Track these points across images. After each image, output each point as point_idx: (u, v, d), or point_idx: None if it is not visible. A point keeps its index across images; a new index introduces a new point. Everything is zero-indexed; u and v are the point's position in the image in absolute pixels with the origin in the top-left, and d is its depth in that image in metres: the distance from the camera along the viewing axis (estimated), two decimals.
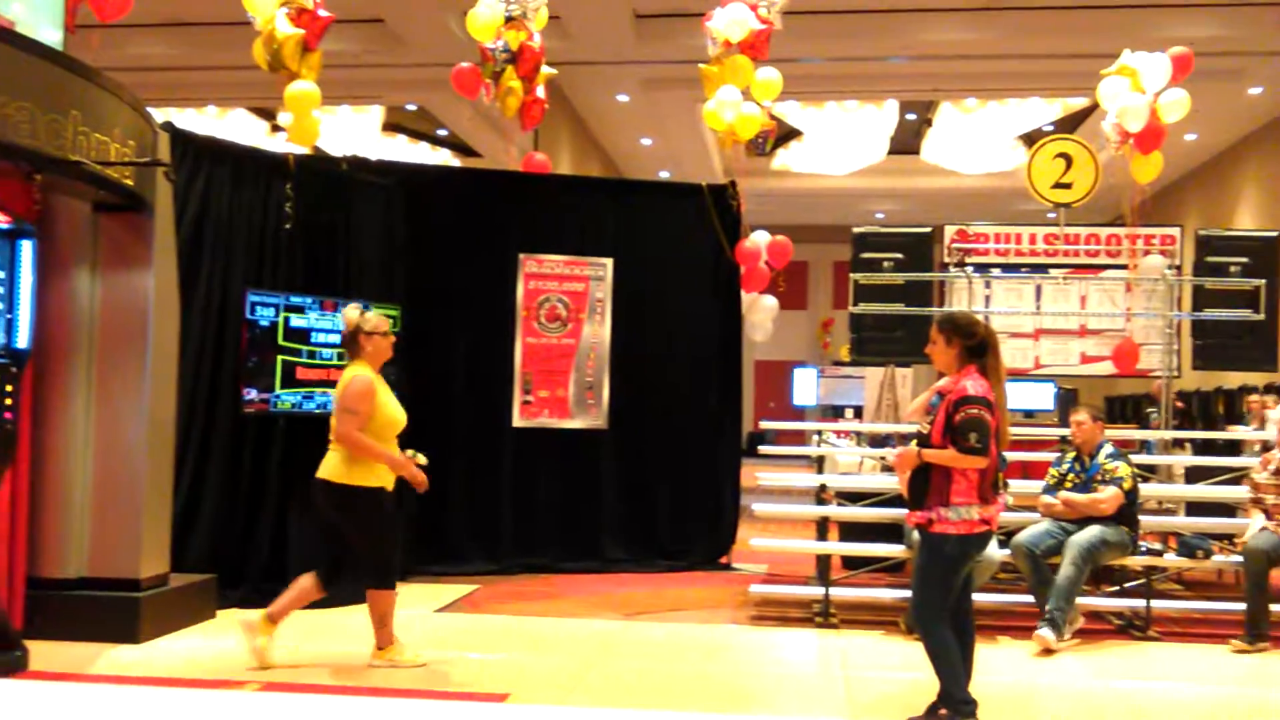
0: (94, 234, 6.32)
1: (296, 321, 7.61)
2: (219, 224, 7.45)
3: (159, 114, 7.25)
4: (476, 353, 8.88)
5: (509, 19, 9.12)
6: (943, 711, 4.79)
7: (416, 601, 7.52)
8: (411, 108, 18.57)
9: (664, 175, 21.36)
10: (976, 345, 4.79)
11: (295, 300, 7.62)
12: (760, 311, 9.52)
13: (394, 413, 5.79)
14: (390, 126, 19.74)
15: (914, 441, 4.83)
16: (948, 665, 4.76)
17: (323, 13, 7.75)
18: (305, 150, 8.19)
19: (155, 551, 6.41)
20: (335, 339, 7.79)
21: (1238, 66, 14.99)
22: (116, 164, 5.86)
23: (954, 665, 4.77)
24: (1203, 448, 11.37)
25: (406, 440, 8.43)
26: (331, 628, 6.67)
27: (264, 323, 7.44)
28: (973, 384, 4.69)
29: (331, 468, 5.66)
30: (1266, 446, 9.50)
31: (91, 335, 6.30)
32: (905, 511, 4.96)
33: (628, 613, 7.41)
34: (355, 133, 18.45)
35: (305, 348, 7.66)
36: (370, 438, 5.61)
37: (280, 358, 7.51)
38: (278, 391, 7.49)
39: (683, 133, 19.21)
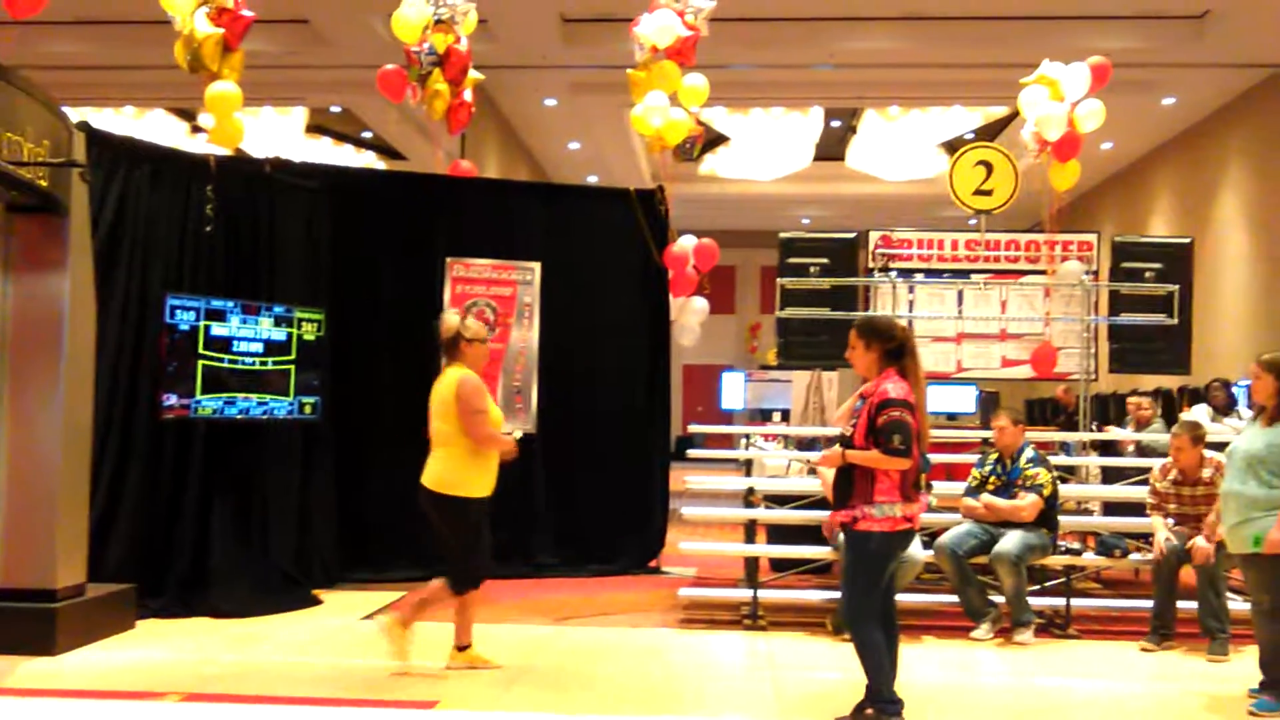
0: (6, 235, 6.16)
1: (218, 327, 7.47)
2: (137, 226, 7.30)
3: (75, 114, 7.09)
4: (402, 357, 8.78)
5: (436, 22, 9.07)
6: (869, 711, 4.85)
7: (343, 609, 7.43)
8: (336, 110, 18.35)
9: (592, 180, 21.37)
10: (895, 349, 4.88)
11: (217, 304, 7.48)
12: (691, 314, 9.56)
13: (495, 410, 5.86)
14: (314, 128, 19.49)
15: (838, 444, 4.89)
16: (876, 664, 4.82)
17: (245, 12, 7.63)
18: (227, 152, 8.05)
19: (71, 561, 6.24)
20: (258, 345, 7.67)
21: (1152, 78, 15.40)
22: (30, 164, 5.71)
23: (882, 664, 4.83)
24: (1118, 448, 11.63)
25: (333, 446, 8.38)
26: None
27: (184, 327, 7.29)
28: (894, 386, 4.77)
29: (436, 476, 5.73)
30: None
31: (3, 339, 6.13)
32: (830, 514, 5.02)
33: (557, 617, 7.39)
34: (278, 134, 18.18)
35: (227, 355, 7.52)
36: (468, 442, 5.66)
37: (201, 363, 7.36)
38: (199, 397, 7.35)
39: (610, 137, 19.24)
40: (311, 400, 8.06)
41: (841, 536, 5.02)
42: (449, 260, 8.94)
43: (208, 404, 7.40)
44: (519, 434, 5.98)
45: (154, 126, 18.29)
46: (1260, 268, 15.72)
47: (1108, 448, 10.61)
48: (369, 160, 20.40)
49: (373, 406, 8.65)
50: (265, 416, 7.73)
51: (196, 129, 18.14)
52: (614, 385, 9.31)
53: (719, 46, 10.61)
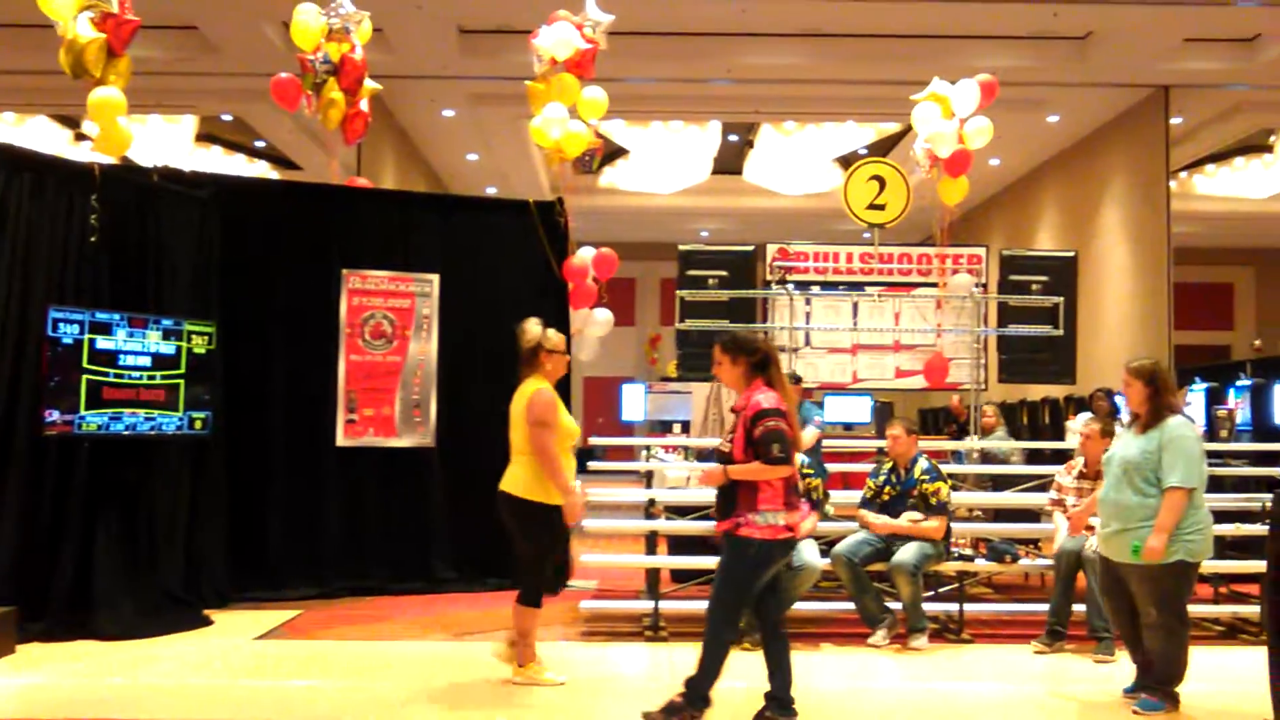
0: None
1: (103, 340, 7.23)
2: (17, 236, 7.04)
3: None
4: (297, 371, 8.63)
5: (331, 30, 8.95)
6: (677, 698, 4.92)
7: (235, 629, 7.24)
8: (227, 118, 17.96)
9: (491, 191, 21.25)
10: (760, 361, 5.02)
11: (102, 317, 7.24)
12: (596, 327, 9.52)
13: (571, 424, 6.00)
14: (204, 137, 19.05)
15: (716, 461, 4.99)
16: (715, 665, 4.91)
17: (130, 17, 7.43)
18: (113, 160, 7.82)
19: None
20: (146, 358, 7.45)
21: (1038, 96, 15.89)
22: None
23: (719, 668, 4.93)
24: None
25: (225, 462, 8.17)
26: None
27: (67, 340, 7.04)
28: (765, 397, 4.90)
29: (516, 481, 5.81)
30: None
31: None
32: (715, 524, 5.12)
33: (457, 633, 7.31)
34: (167, 143, 17.72)
35: (113, 369, 7.28)
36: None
37: (85, 377, 7.11)
38: (83, 413, 7.10)
39: (510, 149, 19.17)
40: (202, 415, 7.86)
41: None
42: (345, 272, 8.81)
43: (92, 420, 7.15)
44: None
45: (35, 134, 17.67)
46: (1140, 280, 16.31)
47: (1037, 455, 10.95)
48: (262, 170, 19.99)
49: (267, 421, 8.46)
50: (153, 432, 7.51)
51: (80, 136, 17.59)
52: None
53: (618, 59, 10.66)
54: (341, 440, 8.70)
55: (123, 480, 7.41)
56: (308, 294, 8.70)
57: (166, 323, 7.62)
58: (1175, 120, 15.80)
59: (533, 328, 5.96)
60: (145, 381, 7.45)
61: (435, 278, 9.06)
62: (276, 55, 13.05)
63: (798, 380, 8.92)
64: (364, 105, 9.36)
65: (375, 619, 7.80)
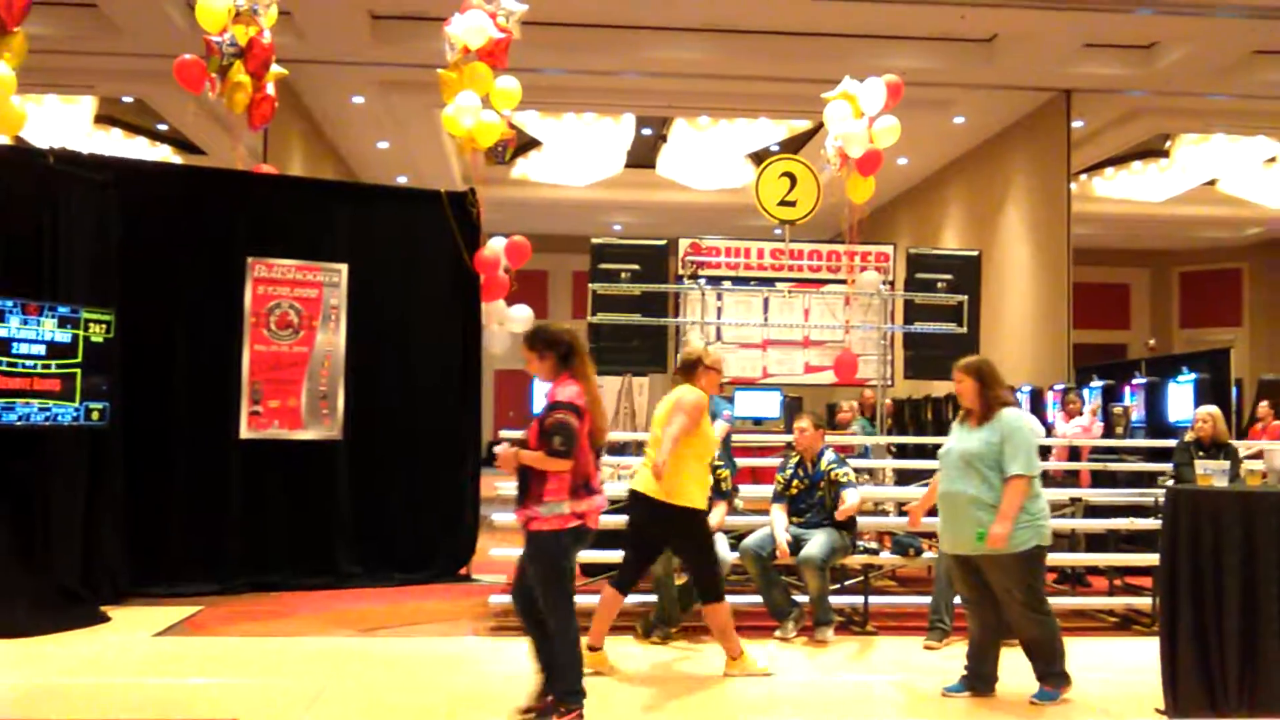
0: None
1: None
2: None
3: None
4: (200, 361, 8.42)
5: (238, 12, 8.75)
6: (549, 698, 4.94)
7: (133, 626, 7.06)
8: (128, 100, 17.46)
9: (401, 180, 21.00)
10: (566, 353, 5.05)
11: None
12: (515, 324, 9.44)
13: (713, 435, 6.19)
14: (104, 119, 18.48)
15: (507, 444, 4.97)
16: (575, 657, 4.96)
17: None
18: (5, 140, 7.55)
19: None
20: (40, 347, 7.21)
21: (945, 97, 16.19)
22: None
23: (579, 656, 4.98)
24: (914, 452, 12.18)
25: (124, 454, 7.95)
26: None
27: None
28: (564, 390, 4.96)
29: (667, 486, 5.89)
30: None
31: None
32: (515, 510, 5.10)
33: (363, 629, 7.22)
34: (64, 124, 17.16)
35: (5, 358, 7.03)
36: (690, 452, 5.90)
37: None
38: None
39: (421, 137, 18.95)
40: (100, 406, 7.63)
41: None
42: (250, 260, 8.62)
43: None
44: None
45: None
46: (1041, 279, 16.74)
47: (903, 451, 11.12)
48: (165, 154, 19.47)
49: (168, 412, 8.25)
50: (48, 424, 7.27)
51: None
52: (423, 390, 9.15)
53: (532, 50, 10.62)
54: (245, 433, 8.53)
55: (15, 473, 7.16)
56: (211, 282, 8.50)
57: (63, 310, 7.38)
58: (1076, 124, 16.24)
59: (694, 341, 6.18)
60: (40, 371, 7.21)
61: (344, 267, 8.92)
62: (180, 37, 12.72)
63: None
64: (270, 89, 9.18)
65: (278, 615, 7.67)
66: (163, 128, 18.68)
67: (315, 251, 8.86)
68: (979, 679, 5.72)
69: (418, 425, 9.08)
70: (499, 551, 7.83)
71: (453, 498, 9.14)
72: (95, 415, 7.61)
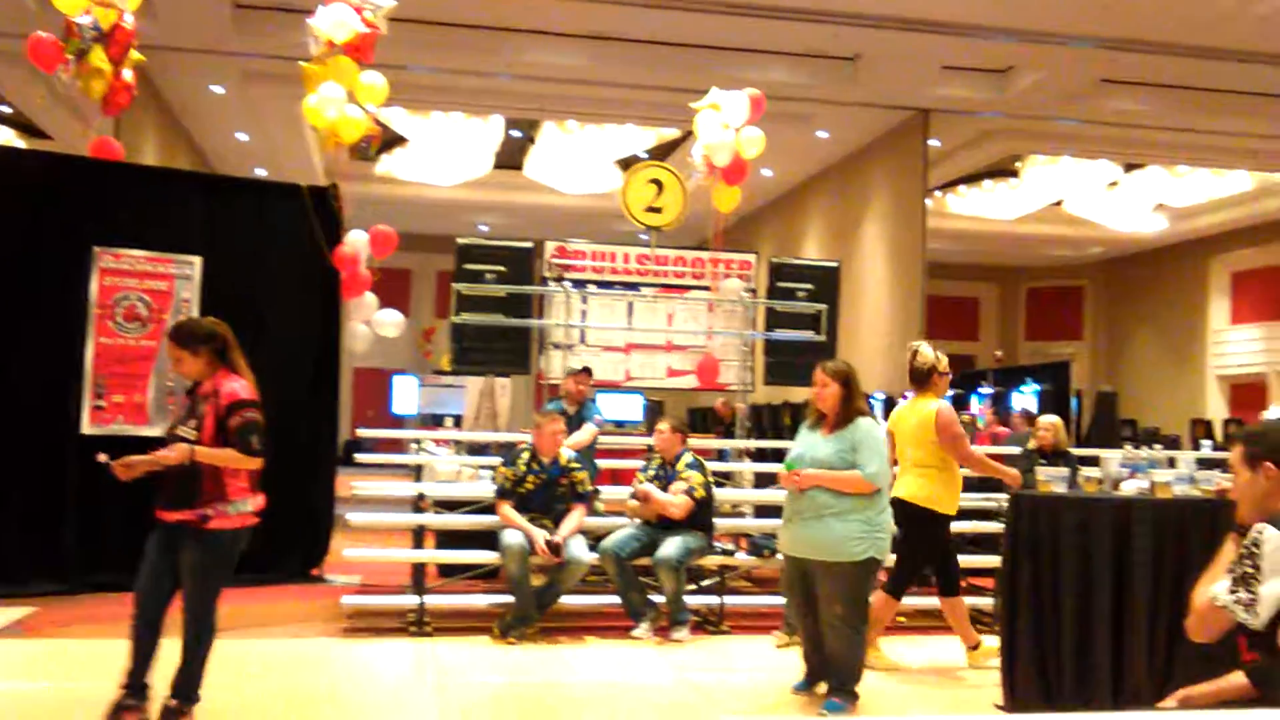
0: None
1: None
2: None
3: None
4: (39, 353, 8.04)
5: None
6: (173, 702, 4.84)
7: None
8: None
9: (261, 173, 20.44)
10: (222, 348, 4.97)
11: None
12: (385, 327, 9.26)
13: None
14: None
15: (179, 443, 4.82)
16: (204, 663, 4.87)
17: None
18: None
19: None
20: None
21: (808, 112, 16.54)
22: None
23: (206, 663, 4.89)
24: (772, 456, 12.38)
25: None
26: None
27: None
28: (241, 386, 4.90)
29: (914, 492, 6.24)
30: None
31: None
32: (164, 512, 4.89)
33: None
34: None
35: None
36: (944, 462, 6.27)
37: None
38: None
39: (283, 131, 18.48)
40: None
41: None
42: (97, 250, 8.27)
43: None
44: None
45: None
46: (896, 291, 17.25)
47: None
48: (6, 137, 18.56)
49: (5, 406, 7.87)
50: None
51: None
52: (278, 387, 8.82)
53: (400, 47, 10.47)
54: (88, 428, 8.17)
55: None
56: (55, 271, 8.12)
57: None
58: (933, 142, 16.77)
59: (926, 350, 6.39)
60: None
61: (197, 260, 8.63)
62: (24, 13, 12.15)
63: (589, 372, 8.98)
64: (129, 76, 8.84)
65: (119, 616, 7.30)
66: (5, 110, 17.81)
67: (167, 243, 8.55)
68: (821, 671, 5.69)
69: (272, 424, 8.82)
70: (353, 552, 7.71)
71: (306, 497, 8.91)
72: None
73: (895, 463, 6.34)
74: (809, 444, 5.61)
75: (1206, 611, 3.15)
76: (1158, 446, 7.27)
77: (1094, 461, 6.29)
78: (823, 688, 5.61)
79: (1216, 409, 21.73)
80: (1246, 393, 21.69)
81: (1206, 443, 11.52)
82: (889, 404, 15.19)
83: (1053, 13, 12.76)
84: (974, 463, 6.55)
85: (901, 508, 6.13)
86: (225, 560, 4.85)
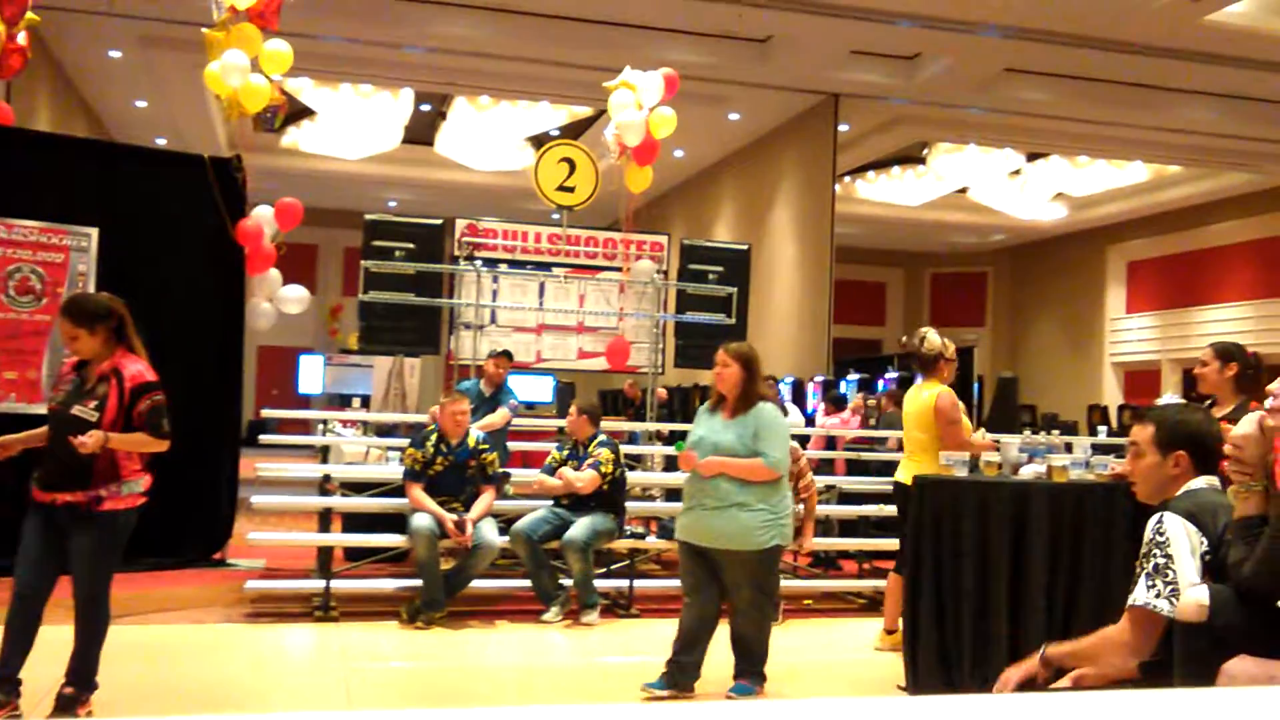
0: None
1: None
2: None
3: None
4: None
5: None
6: (70, 690, 4.76)
7: None
8: None
9: (161, 142, 19.85)
10: (119, 325, 4.84)
11: None
12: (289, 304, 9.04)
13: (967, 422, 6.43)
14: None
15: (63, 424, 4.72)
16: (102, 641, 4.80)
17: None
18: None
19: None
20: None
21: (720, 93, 16.58)
22: None
23: (101, 648, 4.81)
24: (682, 438, 12.42)
25: None
26: None
27: None
28: (144, 368, 4.82)
29: (920, 473, 5.96)
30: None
31: None
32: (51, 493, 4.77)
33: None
34: None
35: None
36: (937, 446, 6.20)
37: None
38: None
39: (184, 99, 17.95)
40: None
41: None
42: None
43: None
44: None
45: None
46: (806, 275, 17.42)
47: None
48: None
49: None
50: None
51: None
52: (179, 365, 8.59)
53: (308, 15, 10.24)
54: None
55: None
56: None
57: None
58: (843, 127, 16.94)
59: (934, 337, 6.40)
60: None
61: (94, 231, 8.34)
62: None
63: (510, 356, 8.88)
64: (23, 39, 8.49)
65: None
66: None
67: (61, 213, 8.24)
68: (682, 670, 5.45)
69: (173, 402, 8.58)
70: (257, 535, 7.56)
71: (208, 479, 8.70)
72: None
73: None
74: (710, 427, 5.44)
75: (1137, 620, 3.08)
76: (1056, 432, 7.47)
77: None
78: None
79: (1112, 395, 22.43)
80: (1141, 380, 22.42)
81: (1102, 428, 11.85)
82: (797, 387, 15.38)
83: (960, 1, 12.96)
84: (969, 448, 6.39)
85: (904, 491, 6.20)
86: (118, 542, 4.75)
